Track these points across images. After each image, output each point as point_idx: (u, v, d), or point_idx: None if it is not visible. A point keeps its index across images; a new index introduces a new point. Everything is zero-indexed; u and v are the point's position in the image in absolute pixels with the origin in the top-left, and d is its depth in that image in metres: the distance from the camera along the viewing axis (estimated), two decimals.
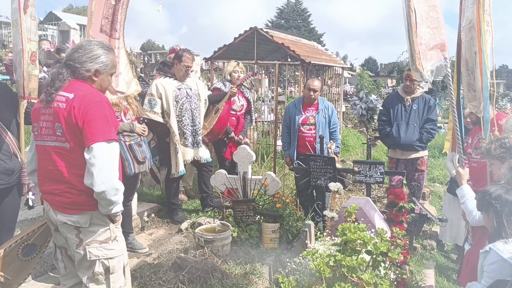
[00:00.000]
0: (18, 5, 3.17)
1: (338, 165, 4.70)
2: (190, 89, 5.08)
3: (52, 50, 6.91)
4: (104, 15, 3.53)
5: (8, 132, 3.16)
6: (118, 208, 2.39)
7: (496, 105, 4.75)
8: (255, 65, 7.72)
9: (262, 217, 4.06)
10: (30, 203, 3.38)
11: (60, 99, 2.35)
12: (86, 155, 2.26)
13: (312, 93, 5.04)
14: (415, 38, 2.72)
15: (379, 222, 3.98)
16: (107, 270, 2.44)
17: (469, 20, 3.29)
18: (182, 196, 5.98)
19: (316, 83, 5.08)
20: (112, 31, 3.60)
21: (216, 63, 6.95)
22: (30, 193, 3.35)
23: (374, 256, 2.93)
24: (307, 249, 3.66)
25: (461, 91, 3.64)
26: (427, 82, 3.18)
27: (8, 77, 7.16)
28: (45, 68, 3.62)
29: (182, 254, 3.68)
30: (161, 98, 4.84)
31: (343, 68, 8.72)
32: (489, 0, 3.37)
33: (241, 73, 5.58)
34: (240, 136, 5.74)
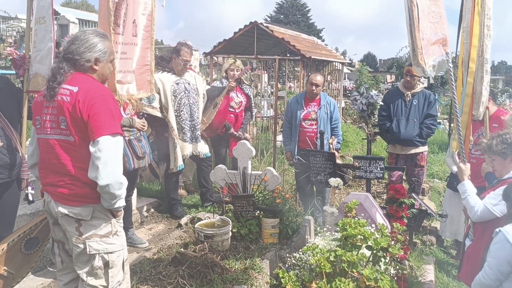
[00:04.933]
0: (51, 3, 3.23)
1: (338, 161, 4.69)
2: (189, 83, 5.06)
3: None
4: (113, 12, 3.54)
5: (11, 127, 3.15)
6: (121, 202, 2.39)
7: (496, 101, 4.73)
8: (255, 60, 7.69)
9: (261, 212, 4.06)
10: (30, 197, 3.37)
11: (64, 92, 2.34)
12: (92, 149, 2.26)
13: (314, 87, 5.03)
14: (417, 33, 2.70)
15: (379, 218, 3.98)
16: (106, 265, 2.44)
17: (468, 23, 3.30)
18: (181, 191, 5.97)
19: (318, 78, 5.07)
20: (114, 26, 3.59)
21: (216, 58, 6.91)
22: (30, 187, 3.34)
23: (375, 251, 2.93)
24: (307, 244, 3.66)
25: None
26: (428, 77, 3.18)
27: (9, 72, 7.13)
28: None
29: (182, 249, 3.67)
30: (159, 93, 4.82)
31: (342, 64, 8.70)
32: (490, 3, 3.37)
33: (238, 71, 5.56)
34: (240, 132, 5.72)
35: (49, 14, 3.23)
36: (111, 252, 2.44)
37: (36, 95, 3.34)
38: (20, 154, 3.22)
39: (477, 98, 3.43)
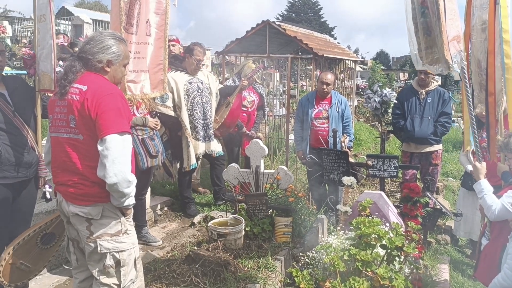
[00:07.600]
0: (49, 0, 3.23)
1: (351, 159, 4.66)
2: (201, 82, 5.08)
3: (65, 44, 6.96)
4: (124, 11, 3.56)
5: (27, 126, 3.20)
6: (130, 200, 2.40)
7: None
8: (267, 59, 7.67)
9: (274, 211, 4.06)
10: (48, 196, 3.40)
11: (74, 91, 2.37)
12: (99, 147, 2.27)
13: (325, 86, 5.01)
14: (443, 29, 2.65)
15: (393, 217, 3.95)
16: (118, 263, 2.45)
17: (482, 21, 3.22)
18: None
19: (329, 77, 5.05)
20: (128, 25, 3.61)
21: (228, 57, 6.91)
22: (47, 186, 3.37)
23: (389, 250, 2.91)
24: (320, 243, 3.65)
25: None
26: (447, 74, 3.11)
27: (24, 72, 7.24)
28: (60, 62, 3.64)
29: (195, 248, 3.70)
30: (172, 92, 4.85)
31: (355, 62, 8.63)
32: (507, 1, 3.29)
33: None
34: (253, 131, 5.73)
35: (48, 12, 3.22)
36: (122, 251, 2.45)
37: (48, 94, 3.39)
38: (37, 153, 3.26)
39: (498, 97, 3.36)
